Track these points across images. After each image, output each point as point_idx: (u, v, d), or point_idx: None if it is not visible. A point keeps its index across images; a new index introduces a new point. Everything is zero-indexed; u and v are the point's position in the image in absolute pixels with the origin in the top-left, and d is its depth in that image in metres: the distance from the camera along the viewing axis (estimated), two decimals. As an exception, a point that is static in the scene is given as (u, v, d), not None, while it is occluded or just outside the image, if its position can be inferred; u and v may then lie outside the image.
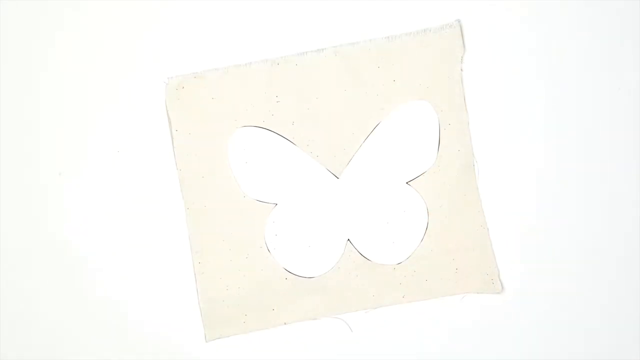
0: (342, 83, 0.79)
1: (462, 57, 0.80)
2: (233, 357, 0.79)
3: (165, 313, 0.80)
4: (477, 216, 0.80)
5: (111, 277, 0.80)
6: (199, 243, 0.80)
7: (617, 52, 0.81)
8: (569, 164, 0.80)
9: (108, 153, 0.80)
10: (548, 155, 0.80)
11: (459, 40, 0.79)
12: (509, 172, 0.80)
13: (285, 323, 0.80)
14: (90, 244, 0.80)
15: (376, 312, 0.80)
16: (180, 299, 0.80)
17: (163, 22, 0.80)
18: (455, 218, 0.80)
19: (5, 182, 0.80)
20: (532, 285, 0.80)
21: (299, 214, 0.80)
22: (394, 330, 0.80)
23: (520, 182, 0.80)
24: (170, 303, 0.80)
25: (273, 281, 0.80)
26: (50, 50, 0.80)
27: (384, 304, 0.79)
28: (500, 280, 0.80)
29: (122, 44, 0.80)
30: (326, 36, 0.79)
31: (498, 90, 0.80)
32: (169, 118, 0.80)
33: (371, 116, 0.80)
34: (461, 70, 0.80)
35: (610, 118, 0.80)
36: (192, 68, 0.79)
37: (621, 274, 0.80)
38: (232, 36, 0.80)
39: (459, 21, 0.79)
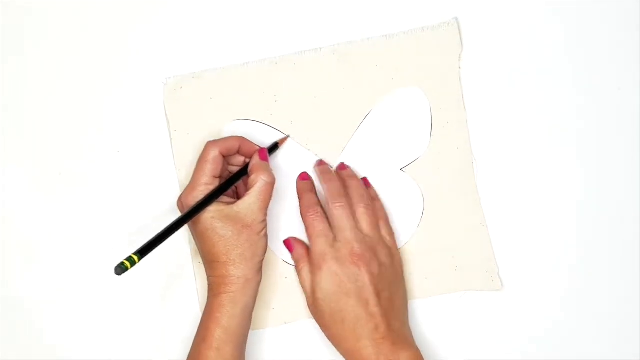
0: (341, 82, 0.80)
1: (460, 55, 0.80)
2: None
3: (166, 313, 0.80)
4: (477, 214, 0.80)
5: (111, 277, 0.79)
6: (199, 243, 0.80)
7: (617, 52, 0.80)
8: (568, 163, 0.80)
9: (108, 153, 0.80)
10: (547, 153, 0.80)
11: (456, 38, 0.80)
12: (508, 170, 0.80)
13: (285, 323, 0.80)
14: (89, 243, 0.80)
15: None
16: (180, 299, 0.80)
17: (162, 23, 0.80)
18: (455, 216, 0.80)
19: (5, 182, 0.80)
20: (532, 282, 0.79)
21: (295, 205, 0.80)
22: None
23: (520, 180, 0.80)
24: (170, 303, 0.80)
25: (273, 281, 0.80)
26: (50, 51, 0.80)
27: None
28: (500, 277, 0.79)
29: (121, 44, 0.80)
30: (324, 35, 0.80)
31: (496, 88, 0.80)
32: (167, 118, 0.80)
33: (366, 107, 0.80)
34: (459, 68, 0.80)
35: (610, 117, 0.80)
36: (190, 68, 0.80)
37: (621, 271, 0.80)
38: (230, 36, 0.80)
39: (456, 19, 0.80)
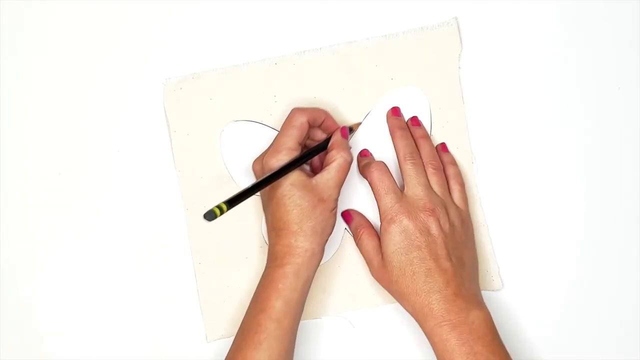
0: (340, 81, 0.80)
1: (459, 54, 0.80)
2: (233, 357, 0.79)
3: (166, 314, 0.80)
4: (477, 213, 0.80)
5: (111, 277, 0.80)
6: (199, 243, 0.80)
7: (617, 52, 0.80)
8: (568, 162, 0.80)
9: (108, 153, 0.80)
10: (547, 153, 0.80)
11: (456, 38, 0.80)
12: (508, 170, 0.80)
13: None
14: (89, 243, 0.80)
15: (378, 309, 0.80)
16: (180, 299, 0.80)
17: (161, 23, 0.80)
18: (455, 216, 0.80)
19: (5, 182, 0.80)
20: (532, 282, 0.79)
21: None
22: (395, 326, 0.79)
23: (520, 180, 0.80)
24: (171, 303, 0.80)
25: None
26: (50, 51, 0.80)
27: (384, 301, 0.79)
28: (500, 277, 0.79)
29: (121, 44, 0.80)
30: (324, 35, 0.80)
31: (496, 87, 0.80)
32: (167, 119, 0.80)
33: (366, 107, 0.80)
34: (459, 68, 0.80)
35: (610, 117, 0.80)
36: (190, 68, 0.80)
37: (622, 271, 0.80)
38: (230, 36, 0.80)
39: (456, 19, 0.80)
